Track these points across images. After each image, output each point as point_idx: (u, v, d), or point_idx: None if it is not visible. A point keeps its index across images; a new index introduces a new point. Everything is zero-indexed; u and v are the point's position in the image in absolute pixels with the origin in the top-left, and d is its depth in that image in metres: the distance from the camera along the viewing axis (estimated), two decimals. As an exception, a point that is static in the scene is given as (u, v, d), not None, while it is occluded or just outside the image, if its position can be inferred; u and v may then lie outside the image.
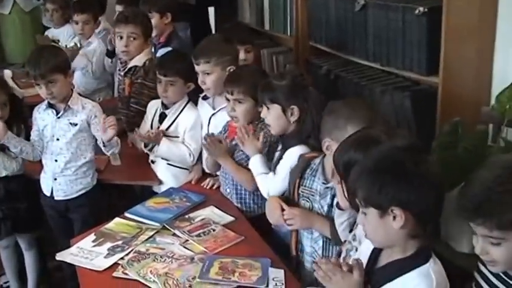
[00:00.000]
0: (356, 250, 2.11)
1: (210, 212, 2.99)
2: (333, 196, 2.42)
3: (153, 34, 4.12)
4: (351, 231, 2.22)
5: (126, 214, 2.99)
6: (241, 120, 3.04)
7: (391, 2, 3.28)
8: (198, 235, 2.76)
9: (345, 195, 2.07)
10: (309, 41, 4.23)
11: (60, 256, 2.73)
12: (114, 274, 2.53)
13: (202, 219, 2.92)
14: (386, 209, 1.73)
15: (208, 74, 3.24)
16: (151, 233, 2.82)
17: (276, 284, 2.39)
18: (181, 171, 3.42)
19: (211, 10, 5.28)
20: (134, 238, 2.78)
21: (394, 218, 1.73)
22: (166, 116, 3.44)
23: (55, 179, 3.29)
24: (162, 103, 3.46)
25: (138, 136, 3.36)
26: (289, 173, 2.69)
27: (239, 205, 3.08)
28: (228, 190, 3.14)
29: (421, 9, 3.07)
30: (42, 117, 3.27)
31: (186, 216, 2.95)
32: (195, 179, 3.39)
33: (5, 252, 3.63)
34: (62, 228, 3.41)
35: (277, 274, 2.44)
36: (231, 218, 2.93)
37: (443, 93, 3.06)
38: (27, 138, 3.31)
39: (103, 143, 3.21)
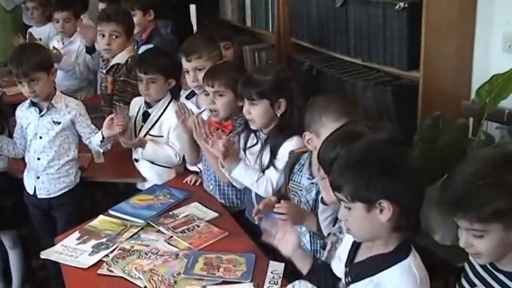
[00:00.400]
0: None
1: (194, 208, 3.00)
2: (318, 191, 2.43)
3: (136, 31, 4.13)
4: (335, 224, 2.24)
5: (110, 211, 2.99)
6: (222, 113, 3.03)
7: (371, -2, 3.31)
8: (183, 231, 2.77)
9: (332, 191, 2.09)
10: (290, 37, 4.26)
11: (44, 254, 2.72)
12: (99, 271, 2.53)
13: (187, 215, 2.92)
14: (374, 203, 1.73)
15: (200, 70, 3.23)
16: (136, 230, 2.82)
17: (273, 276, 2.40)
18: (164, 169, 3.42)
19: (192, 7, 5.28)
20: (119, 235, 2.78)
21: (381, 211, 1.74)
22: (149, 114, 3.43)
23: (38, 178, 3.28)
24: (146, 101, 3.46)
25: (123, 143, 3.35)
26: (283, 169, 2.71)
27: (222, 201, 3.09)
28: (211, 187, 3.15)
29: (401, 4, 3.11)
30: (25, 116, 3.27)
31: (170, 213, 2.95)
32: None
33: (-11, 251, 3.63)
34: (46, 227, 3.40)
35: (276, 267, 2.45)
36: (215, 214, 2.94)
37: (424, 88, 3.10)
38: (10, 136, 3.30)
39: (102, 138, 3.23)
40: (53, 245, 2.79)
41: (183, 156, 3.32)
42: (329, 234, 2.27)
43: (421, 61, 3.08)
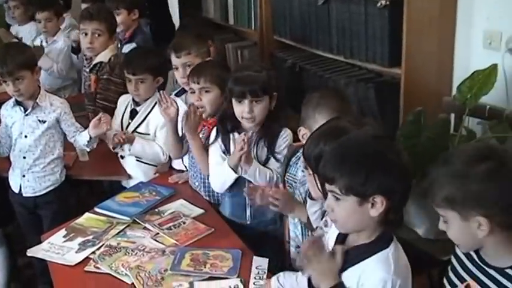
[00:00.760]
0: None
1: (180, 205, 3.02)
2: None
3: (119, 30, 4.14)
4: (322, 218, 2.28)
5: (96, 209, 3.00)
6: (208, 109, 3.05)
7: (353, -5, 3.35)
8: (169, 228, 2.78)
9: (318, 187, 2.12)
10: (273, 35, 4.28)
11: (31, 252, 2.73)
12: (86, 268, 2.54)
13: (172, 212, 2.94)
14: (368, 197, 1.77)
15: (189, 66, 3.27)
16: (122, 227, 2.83)
17: (258, 272, 2.43)
18: (150, 167, 3.44)
19: (174, 5, 5.29)
20: (105, 232, 2.79)
21: (373, 205, 1.77)
22: (137, 112, 3.45)
23: (23, 176, 3.29)
24: (133, 99, 3.48)
25: (111, 141, 3.36)
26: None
27: (207, 198, 3.11)
28: (197, 183, 3.16)
29: (383, 2, 3.15)
30: (10, 115, 3.27)
31: (156, 210, 2.97)
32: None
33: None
34: (31, 225, 3.41)
35: (261, 263, 2.48)
36: (201, 211, 2.96)
37: (405, 84, 3.15)
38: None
39: (90, 137, 3.25)
40: (39, 243, 2.79)
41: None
42: (316, 227, 2.31)
43: (402, 58, 3.12)
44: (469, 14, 3.13)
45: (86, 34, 3.82)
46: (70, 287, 2.48)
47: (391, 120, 3.18)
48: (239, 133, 2.88)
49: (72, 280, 2.51)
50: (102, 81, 3.80)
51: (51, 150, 3.28)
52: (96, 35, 3.81)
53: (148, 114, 3.43)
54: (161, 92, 3.19)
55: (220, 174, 2.87)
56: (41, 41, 4.86)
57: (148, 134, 3.41)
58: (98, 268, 2.53)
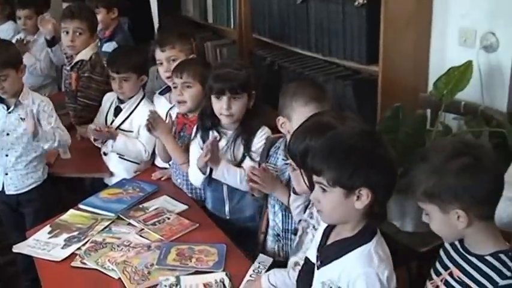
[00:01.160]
0: (313, 227, 2.22)
1: (164, 201, 3.05)
2: None
3: (99, 28, 4.16)
4: (304, 212, 2.34)
5: (80, 205, 3.02)
6: (189, 104, 3.10)
7: (331, -6, 3.39)
8: (153, 224, 2.82)
9: (304, 181, 2.17)
10: (252, 33, 4.31)
11: (17, 248, 2.75)
12: (73, 264, 2.57)
13: (156, 208, 2.97)
14: (354, 190, 1.81)
15: (173, 60, 3.32)
16: (107, 223, 2.86)
17: (259, 266, 2.47)
18: (133, 164, 3.47)
19: (154, 4, 5.30)
20: (90, 229, 2.82)
21: (358, 197, 1.82)
22: (121, 110, 3.49)
23: (6, 174, 3.31)
24: (118, 97, 3.52)
25: (92, 132, 3.40)
26: (261, 152, 2.80)
27: (190, 194, 3.15)
28: (179, 181, 3.20)
29: (361, 1, 3.20)
30: (-8, 112, 3.28)
31: (140, 206, 3.01)
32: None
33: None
34: (14, 223, 3.43)
35: (265, 260, 2.53)
36: (185, 207, 3.00)
37: (383, 81, 3.20)
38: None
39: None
40: (21, 240, 2.81)
41: (151, 152, 3.39)
42: (300, 220, 2.36)
43: (380, 55, 3.17)
44: (445, 12, 3.20)
45: (67, 32, 3.84)
46: (57, 282, 2.50)
47: (368, 116, 3.23)
48: (217, 131, 2.94)
49: (59, 276, 2.54)
50: (83, 79, 3.83)
51: (34, 148, 3.30)
52: (78, 34, 3.84)
53: (132, 112, 3.47)
54: (152, 112, 3.19)
55: (195, 170, 2.93)
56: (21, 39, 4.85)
57: (132, 132, 3.44)
58: (84, 264, 2.57)
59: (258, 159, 2.82)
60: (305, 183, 2.12)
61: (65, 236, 2.78)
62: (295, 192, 2.35)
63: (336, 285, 1.88)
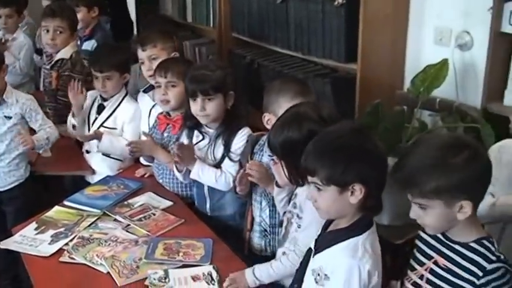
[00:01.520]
0: (297, 216, 2.30)
1: (149, 198, 3.09)
2: None
3: (79, 27, 4.19)
4: (289, 203, 2.41)
5: (66, 202, 3.04)
6: (173, 102, 3.12)
7: (311, -6, 3.46)
8: (139, 219, 2.86)
9: (285, 174, 2.24)
10: (231, 32, 4.36)
11: (4, 244, 2.76)
12: (61, 259, 2.59)
13: (142, 204, 3.01)
14: (347, 186, 1.89)
15: (155, 59, 3.35)
16: (93, 219, 2.89)
17: None
18: (116, 161, 3.50)
19: (131, 3, 5.33)
20: (76, 225, 2.84)
21: (352, 193, 1.89)
22: (104, 107, 3.51)
23: (-12, 171, 3.32)
24: (101, 95, 3.54)
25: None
26: (241, 152, 2.85)
27: (176, 191, 3.18)
28: (166, 180, 3.22)
29: (340, 1, 3.27)
30: (-25, 111, 3.29)
31: (125, 203, 3.03)
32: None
33: None
34: (-5, 221, 3.44)
35: None
36: (170, 203, 3.03)
37: (361, 79, 3.28)
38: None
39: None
40: (3, 239, 2.82)
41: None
42: (285, 212, 2.43)
43: (358, 54, 3.25)
44: (421, 12, 3.30)
45: (48, 31, 3.87)
46: (47, 278, 2.52)
47: (347, 113, 3.31)
48: (199, 131, 3.00)
49: (48, 271, 2.56)
50: (63, 78, 3.86)
51: (17, 146, 3.31)
52: (58, 32, 3.87)
53: (115, 109, 3.49)
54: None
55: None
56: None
57: (115, 129, 3.46)
58: (72, 259, 2.59)
59: (237, 159, 2.87)
60: (285, 175, 2.20)
61: (51, 232, 2.80)
62: (277, 185, 2.42)
63: (323, 273, 1.96)
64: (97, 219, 2.90)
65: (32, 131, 3.37)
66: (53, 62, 3.94)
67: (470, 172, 1.83)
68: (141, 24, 5.01)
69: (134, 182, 3.25)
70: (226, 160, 2.89)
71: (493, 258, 1.86)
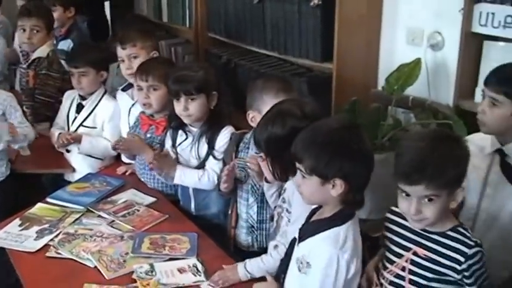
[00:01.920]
0: (287, 210, 2.37)
1: (132, 195, 3.13)
2: None
3: (55, 26, 4.22)
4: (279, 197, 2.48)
5: (49, 199, 3.07)
6: (155, 106, 3.15)
7: (287, -5, 3.52)
8: (124, 215, 2.91)
9: (269, 169, 2.31)
10: (208, 32, 4.39)
11: (-12, 241, 2.78)
12: (48, 254, 2.63)
13: (125, 201, 3.05)
14: (329, 179, 1.97)
15: (135, 57, 3.38)
16: (77, 215, 2.92)
17: None
18: (96, 160, 3.53)
19: (107, 3, 5.33)
20: (60, 221, 2.88)
21: (333, 186, 1.97)
22: (83, 106, 3.53)
23: (-31, 169, 3.32)
24: (79, 94, 3.56)
25: (57, 146, 3.47)
26: (225, 150, 2.90)
27: (160, 189, 3.23)
28: (143, 179, 3.28)
29: (316, 1, 3.34)
30: (-45, 109, 3.29)
31: (109, 199, 3.08)
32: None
33: None
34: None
35: None
36: (153, 199, 3.08)
37: (337, 78, 3.35)
38: None
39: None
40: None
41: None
42: (275, 206, 2.50)
43: (334, 53, 3.32)
44: (394, 13, 3.39)
45: (24, 30, 3.91)
46: (34, 272, 2.55)
47: (323, 111, 3.38)
48: (183, 130, 3.04)
49: (35, 266, 2.59)
50: (40, 77, 3.90)
51: (-3, 142, 3.32)
52: (35, 31, 3.91)
53: (95, 107, 3.52)
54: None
55: None
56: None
57: (96, 128, 3.50)
58: (59, 254, 2.63)
59: (220, 157, 2.93)
60: (270, 171, 2.28)
61: (36, 228, 2.83)
62: (267, 181, 2.49)
63: (305, 261, 2.04)
64: (81, 215, 2.94)
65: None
66: (29, 61, 3.96)
67: (463, 163, 1.98)
68: (117, 24, 5.01)
69: (116, 179, 3.29)
70: (211, 158, 2.95)
71: (472, 243, 1.97)
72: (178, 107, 2.93)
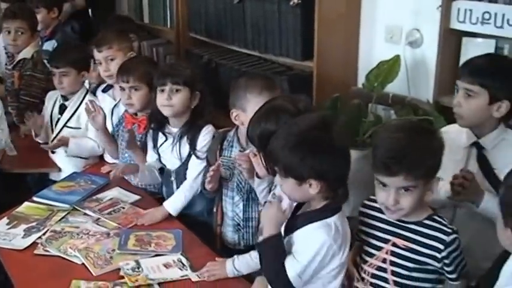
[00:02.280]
0: None
1: (117, 193, 3.16)
2: None
3: (39, 28, 4.25)
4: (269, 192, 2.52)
5: (35, 198, 3.10)
6: (137, 105, 3.17)
7: (267, -6, 3.58)
8: (109, 213, 2.94)
9: (263, 164, 2.36)
10: (189, 32, 4.44)
11: (-24, 239, 2.80)
12: (36, 252, 2.66)
13: (111, 199, 3.09)
14: (304, 180, 1.99)
15: (112, 59, 3.39)
16: (63, 214, 2.95)
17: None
18: (81, 160, 3.55)
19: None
20: (47, 219, 2.91)
21: (310, 185, 2.00)
22: (66, 107, 3.57)
23: (-44, 170, 3.35)
24: (62, 94, 3.59)
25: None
26: (208, 150, 2.92)
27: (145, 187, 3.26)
28: (127, 176, 3.28)
29: (295, 0, 3.40)
30: None
31: (94, 197, 3.11)
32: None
33: None
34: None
35: None
36: (137, 197, 3.12)
37: (317, 76, 3.42)
38: None
39: None
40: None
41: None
42: (265, 202, 2.54)
43: (314, 52, 3.39)
44: (372, 11, 3.47)
45: (9, 32, 3.94)
46: (23, 270, 2.58)
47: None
48: (163, 133, 3.07)
49: (23, 263, 2.61)
50: (25, 78, 3.92)
51: (-17, 144, 3.36)
52: (19, 33, 3.95)
53: (78, 108, 3.55)
54: (89, 101, 3.33)
55: None
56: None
57: (80, 128, 3.53)
58: (47, 251, 2.66)
59: (203, 156, 2.94)
60: (263, 165, 2.32)
61: (23, 226, 2.85)
62: (258, 177, 2.52)
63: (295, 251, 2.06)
64: (67, 213, 2.97)
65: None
66: (14, 62, 4.00)
67: (439, 154, 2.04)
68: (99, 25, 5.02)
69: (101, 178, 3.32)
70: (193, 158, 2.97)
71: (449, 230, 2.04)
72: (162, 97, 2.93)
